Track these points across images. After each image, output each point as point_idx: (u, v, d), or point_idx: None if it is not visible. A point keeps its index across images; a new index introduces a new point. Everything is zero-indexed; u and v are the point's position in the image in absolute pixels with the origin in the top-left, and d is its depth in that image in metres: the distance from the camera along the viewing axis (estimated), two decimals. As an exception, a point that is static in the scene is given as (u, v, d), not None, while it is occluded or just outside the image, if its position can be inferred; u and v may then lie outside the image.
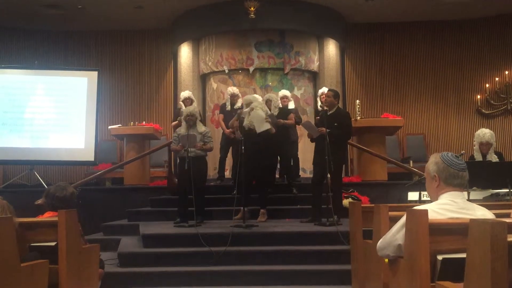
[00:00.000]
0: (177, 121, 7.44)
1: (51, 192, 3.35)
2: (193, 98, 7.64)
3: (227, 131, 7.13)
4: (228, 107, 7.46)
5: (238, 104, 7.34)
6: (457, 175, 2.23)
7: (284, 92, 7.53)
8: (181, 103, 7.65)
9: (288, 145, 7.05)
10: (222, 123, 7.39)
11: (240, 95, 7.58)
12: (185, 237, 5.22)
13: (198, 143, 5.99)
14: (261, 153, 5.90)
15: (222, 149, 7.41)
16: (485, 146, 5.63)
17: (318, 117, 6.54)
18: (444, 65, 10.17)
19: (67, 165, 9.56)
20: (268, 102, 6.85)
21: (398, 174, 7.98)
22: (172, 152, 7.53)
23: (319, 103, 7.38)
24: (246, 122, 5.97)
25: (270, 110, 6.79)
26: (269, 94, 7.28)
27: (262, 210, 6.13)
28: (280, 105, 7.10)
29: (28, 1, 8.80)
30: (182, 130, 6.22)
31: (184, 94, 7.67)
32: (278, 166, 7.36)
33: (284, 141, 6.89)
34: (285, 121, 6.83)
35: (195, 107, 6.75)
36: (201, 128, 6.21)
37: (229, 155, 7.51)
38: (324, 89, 7.37)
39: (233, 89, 7.63)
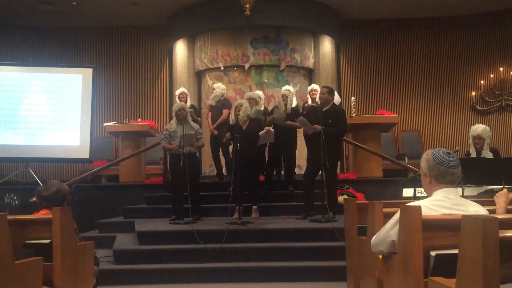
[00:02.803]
0: None
1: (37, 191, 3.35)
2: (187, 92, 7.66)
3: (211, 128, 7.17)
4: (213, 103, 7.46)
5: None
6: (447, 172, 2.23)
7: (288, 87, 7.50)
8: (177, 99, 7.65)
9: (293, 144, 7.01)
10: (209, 120, 7.42)
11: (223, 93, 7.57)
12: (180, 234, 5.23)
13: (194, 142, 6.00)
14: (252, 150, 5.91)
15: (212, 146, 7.43)
16: (477, 140, 5.67)
17: (304, 113, 6.58)
18: (439, 62, 10.19)
19: (62, 163, 9.53)
20: (283, 98, 6.82)
21: (393, 171, 8.00)
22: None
23: (309, 100, 7.40)
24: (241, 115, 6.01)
25: (286, 106, 6.74)
26: (286, 90, 7.03)
27: (254, 207, 6.13)
28: (295, 103, 7.05)
29: (23, -2, 8.76)
30: (173, 126, 6.12)
31: (179, 90, 7.71)
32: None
33: (291, 140, 6.85)
34: (293, 123, 6.61)
35: (183, 103, 6.72)
36: (192, 124, 6.18)
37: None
38: (313, 86, 7.44)
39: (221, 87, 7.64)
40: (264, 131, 6.07)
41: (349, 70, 10.24)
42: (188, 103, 7.49)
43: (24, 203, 5.98)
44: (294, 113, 6.75)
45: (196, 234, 5.01)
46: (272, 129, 6.13)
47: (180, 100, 7.44)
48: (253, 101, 6.65)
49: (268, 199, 6.72)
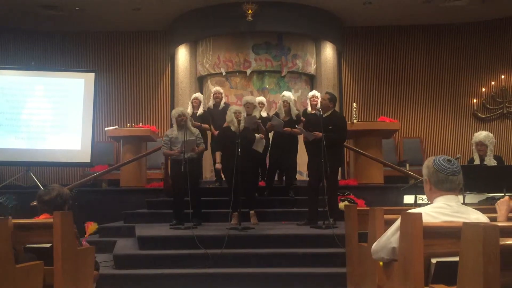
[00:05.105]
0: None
1: (38, 195, 3.35)
2: (201, 100, 7.55)
3: (215, 133, 7.14)
4: (211, 106, 7.49)
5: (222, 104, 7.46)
6: (446, 179, 2.23)
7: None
8: (189, 103, 7.62)
9: (293, 150, 6.98)
10: (211, 125, 7.38)
11: (222, 93, 7.62)
12: (181, 239, 5.22)
13: (196, 147, 6.00)
14: (249, 155, 5.89)
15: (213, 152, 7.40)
16: (480, 147, 5.68)
17: (304, 119, 6.61)
18: (440, 69, 10.21)
19: (64, 167, 9.54)
20: (284, 104, 6.80)
21: (394, 177, 7.99)
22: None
23: (308, 107, 7.38)
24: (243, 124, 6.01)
25: (291, 112, 6.71)
26: (289, 96, 6.95)
27: (251, 212, 6.12)
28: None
29: (26, 2, 8.79)
30: (174, 132, 6.13)
31: (195, 95, 7.65)
32: (278, 171, 7.34)
33: (291, 148, 6.82)
34: (293, 129, 6.62)
35: (183, 108, 6.67)
36: (192, 129, 6.18)
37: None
38: (314, 92, 7.42)
39: (216, 88, 7.69)
40: (259, 136, 6.01)
41: (350, 76, 10.26)
42: (201, 109, 7.39)
43: (25, 207, 5.97)
44: (293, 120, 6.76)
45: (197, 239, 5.00)
46: (263, 139, 5.96)
47: (193, 106, 7.39)
48: (251, 106, 6.60)
49: (268, 205, 6.72)
